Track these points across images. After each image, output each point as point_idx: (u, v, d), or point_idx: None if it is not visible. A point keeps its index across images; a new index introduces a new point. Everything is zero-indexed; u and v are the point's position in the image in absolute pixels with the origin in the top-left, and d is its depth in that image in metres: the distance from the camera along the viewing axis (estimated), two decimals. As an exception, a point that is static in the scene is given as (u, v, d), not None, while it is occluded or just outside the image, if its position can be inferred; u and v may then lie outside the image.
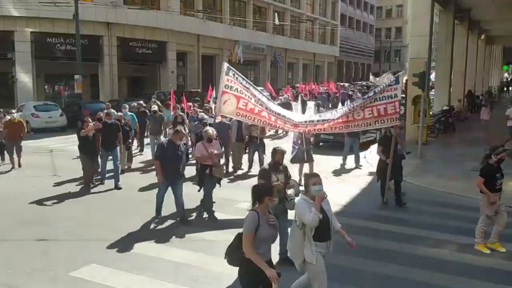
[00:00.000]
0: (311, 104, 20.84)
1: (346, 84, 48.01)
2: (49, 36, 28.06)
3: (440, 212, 9.28)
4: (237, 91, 8.95)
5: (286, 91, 31.25)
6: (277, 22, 47.13)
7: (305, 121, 9.37)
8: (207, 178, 8.61)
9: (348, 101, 16.87)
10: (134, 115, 15.18)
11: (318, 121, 9.25)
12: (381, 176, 9.87)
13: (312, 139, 12.66)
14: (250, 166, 13.17)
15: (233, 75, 9.02)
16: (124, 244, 7.36)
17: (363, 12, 74.01)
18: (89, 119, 11.25)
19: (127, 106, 15.57)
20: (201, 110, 15.10)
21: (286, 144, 11.19)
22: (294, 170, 11.15)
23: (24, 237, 7.75)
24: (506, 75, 69.09)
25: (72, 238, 7.67)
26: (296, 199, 5.81)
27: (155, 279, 6.14)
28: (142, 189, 10.92)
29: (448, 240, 7.77)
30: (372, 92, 9.22)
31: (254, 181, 10.24)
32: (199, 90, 31.24)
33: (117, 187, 10.94)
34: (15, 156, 13.54)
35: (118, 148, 11.40)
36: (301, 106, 12.55)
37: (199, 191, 8.86)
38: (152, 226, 8.35)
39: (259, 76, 48.64)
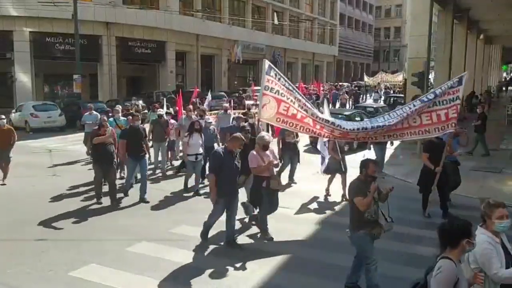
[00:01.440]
0: None
1: (346, 84, 47.99)
2: (48, 36, 28.07)
3: (439, 211, 9.28)
4: (278, 94, 7.80)
5: None
6: (276, 21, 47.15)
7: (357, 129, 8.23)
8: (265, 193, 7.51)
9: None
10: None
11: (372, 128, 8.09)
12: (423, 187, 9.02)
13: (346, 147, 11.42)
14: (291, 176, 11.57)
15: (275, 75, 7.83)
16: (123, 244, 7.35)
17: (362, 11, 74.09)
18: (107, 123, 9.99)
19: (119, 109, 13.94)
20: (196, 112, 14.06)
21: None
22: (320, 182, 10.75)
23: (24, 237, 7.74)
24: (504, 74, 69.19)
25: (71, 238, 7.66)
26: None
27: (154, 279, 6.13)
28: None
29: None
30: (433, 95, 8.15)
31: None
32: (198, 89, 31.22)
33: (143, 200, 9.69)
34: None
35: (146, 156, 10.27)
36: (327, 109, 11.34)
37: (252, 212, 7.93)
38: (151, 226, 8.34)
39: (258, 76, 48.67)
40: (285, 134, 11.08)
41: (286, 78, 8.04)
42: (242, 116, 12.03)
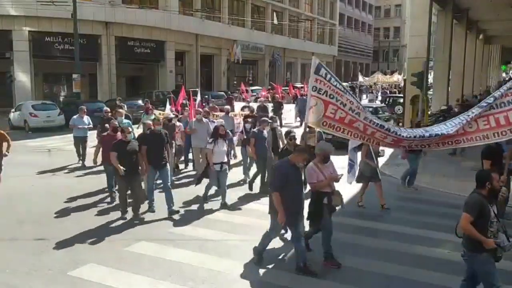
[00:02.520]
0: (290, 106, 19.46)
1: (345, 84, 47.82)
2: (47, 35, 28.04)
3: (438, 211, 9.28)
4: (326, 95, 7.03)
5: (262, 93, 29.28)
6: (275, 21, 47.16)
7: (413, 137, 7.44)
8: (326, 210, 6.60)
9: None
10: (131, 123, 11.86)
11: (430, 136, 7.31)
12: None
13: (382, 152, 10.28)
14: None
15: (325, 74, 7.10)
16: (122, 244, 7.34)
17: (361, 11, 74.10)
18: (129, 128, 8.88)
19: (123, 111, 13.06)
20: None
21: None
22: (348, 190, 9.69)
23: (23, 236, 7.73)
24: (504, 74, 69.26)
25: (70, 238, 7.65)
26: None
27: (154, 279, 6.13)
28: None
29: (447, 239, 7.76)
30: (492, 99, 7.37)
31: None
32: (197, 89, 31.19)
33: (172, 213, 8.79)
34: None
35: (168, 164, 9.32)
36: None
37: (315, 232, 6.99)
38: (151, 226, 8.33)
39: (257, 75, 48.68)
40: (306, 137, 10.17)
41: (337, 78, 7.33)
42: (267, 119, 10.98)
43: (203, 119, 11.86)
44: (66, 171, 12.89)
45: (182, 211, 9.15)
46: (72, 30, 24.40)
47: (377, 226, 8.44)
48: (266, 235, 6.62)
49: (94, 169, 12.35)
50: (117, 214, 8.97)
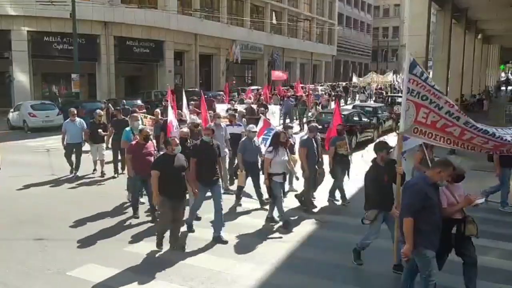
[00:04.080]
0: (274, 108, 17.90)
1: (343, 84, 47.69)
2: (46, 35, 28.01)
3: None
4: (418, 96, 6.16)
5: (247, 94, 27.20)
6: (274, 21, 47.17)
7: None
8: (456, 240, 5.48)
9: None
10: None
11: None
12: None
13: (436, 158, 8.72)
14: (343, 197, 9.74)
15: (420, 73, 6.15)
16: (121, 244, 7.34)
17: (360, 11, 74.15)
18: (176, 140, 7.26)
19: (139, 114, 11.83)
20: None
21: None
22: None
23: (21, 236, 7.72)
24: (503, 74, 69.34)
25: (69, 238, 7.65)
26: None
27: (153, 279, 6.13)
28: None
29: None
30: None
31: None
32: (196, 89, 31.21)
33: (220, 240, 7.37)
34: None
35: (220, 181, 7.98)
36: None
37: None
38: (149, 226, 8.33)
39: (256, 75, 48.67)
40: (336, 144, 9.49)
41: (430, 77, 6.53)
42: (316, 125, 9.84)
43: (221, 123, 10.65)
44: (63, 171, 12.86)
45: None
46: (71, 30, 24.38)
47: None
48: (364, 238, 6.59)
49: (93, 169, 12.35)
50: (116, 214, 8.98)
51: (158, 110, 14.15)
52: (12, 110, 23.07)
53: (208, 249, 7.17)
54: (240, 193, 9.55)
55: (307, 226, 8.32)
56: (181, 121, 11.09)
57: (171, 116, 9.96)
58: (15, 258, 6.81)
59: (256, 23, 45.77)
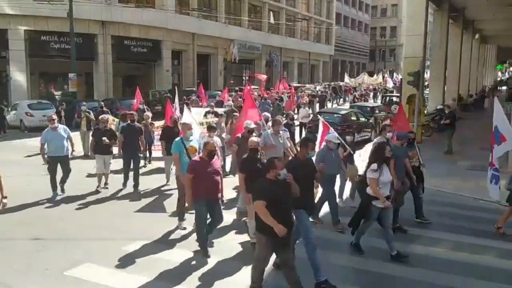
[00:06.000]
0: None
1: (344, 83, 47.52)
2: (43, 34, 27.93)
3: (435, 210, 9.31)
4: None
5: (223, 95, 24.36)
6: (272, 21, 47.16)
7: None
8: None
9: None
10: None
11: None
12: None
13: None
14: (420, 212, 8.61)
15: None
16: (119, 244, 7.32)
17: (358, 11, 74.22)
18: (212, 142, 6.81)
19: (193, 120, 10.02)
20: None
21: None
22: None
23: (19, 235, 7.70)
24: (500, 74, 69.53)
25: (67, 237, 7.64)
26: None
27: (151, 279, 6.12)
28: (142, 191, 10.84)
29: (444, 238, 7.81)
30: None
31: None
32: (194, 88, 31.18)
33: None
34: None
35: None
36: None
37: None
38: (147, 225, 8.32)
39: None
40: (408, 155, 8.21)
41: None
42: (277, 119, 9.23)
43: (269, 130, 8.99)
44: (61, 170, 12.82)
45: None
46: (68, 29, 24.31)
47: (376, 226, 8.43)
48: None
49: (91, 169, 12.32)
50: (115, 213, 8.97)
51: (149, 114, 13.40)
52: (9, 109, 23.01)
53: (209, 249, 7.14)
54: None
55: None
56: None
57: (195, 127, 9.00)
58: (12, 258, 6.80)
59: (254, 23, 45.76)
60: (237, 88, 33.63)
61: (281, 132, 8.94)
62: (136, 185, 10.59)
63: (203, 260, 6.70)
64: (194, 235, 7.66)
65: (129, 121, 10.97)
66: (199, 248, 6.93)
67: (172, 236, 7.74)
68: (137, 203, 9.61)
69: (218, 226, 7.20)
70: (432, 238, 7.77)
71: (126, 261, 6.65)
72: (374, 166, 6.55)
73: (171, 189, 10.45)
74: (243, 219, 7.87)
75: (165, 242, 7.44)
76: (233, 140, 9.18)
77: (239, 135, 8.76)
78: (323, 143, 8.48)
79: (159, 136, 11.47)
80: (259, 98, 24.11)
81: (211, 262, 6.67)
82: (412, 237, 7.82)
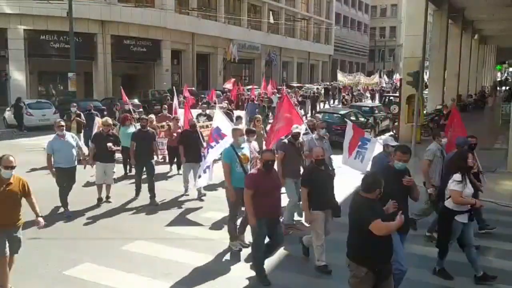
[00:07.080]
0: (240, 113, 14.51)
1: (338, 82, 47.26)
2: (42, 34, 27.95)
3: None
4: None
5: (211, 96, 23.87)
6: (271, 20, 47.15)
7: None
8: None
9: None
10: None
11: None
12: None
13: None
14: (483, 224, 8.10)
15: None
16: (118, 243, 7.33)
17: (357, 11, 74.26)
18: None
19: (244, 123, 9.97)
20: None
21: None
22: None
23: (18, 236, 7.69)
24: (499, 74, 69.56)
25: (66, 237, 7.64)
26: None
27: (149, 278, 6.12)
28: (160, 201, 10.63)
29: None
30: None
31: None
32: (193, 88, 31.15)
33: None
34: None
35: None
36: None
37: None
38: (146, 225, 8.32)
39: (253, 75, 48.66)
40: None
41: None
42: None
43: (301, 133, 8.30)
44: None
45: (179, 210, 9.15)
46: (68, 29, 24.28)
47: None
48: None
49: (89, 168, 12.28)
50: (113, 213, 8.95)
51: (152, 116, 12.66)
52: (8, 108, 22.98)
53: (206, 248, 7.16)
54: None
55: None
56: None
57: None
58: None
59: (254, 23, 45.78)
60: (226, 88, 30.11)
61: (325, 137, 8.41)
62: (152, 196, 9.49)
63: (203, 260, 6.70)
64: (194, 235, 7.67)
65: (140, 127, 10.01)
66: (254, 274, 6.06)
67: (171, 236, 7.74)
68: (138, 203, 9.61)
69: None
70: (431, 238, 7.74)
71: (126, 261, 6.65)
72: (458, 177, 5.82)
73: (188, 200, 9.88)
74: (290, 232, 7.60)
75: (165, 242, 7.44)
76: (269, 146, 8.64)
77: (285, 139, 8.04)
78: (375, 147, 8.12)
79: (177, 140, 10.49)
80: (247, 100, 24.00)
81: (211, 262, 6.67)
82: (411, 237, 7.79)
